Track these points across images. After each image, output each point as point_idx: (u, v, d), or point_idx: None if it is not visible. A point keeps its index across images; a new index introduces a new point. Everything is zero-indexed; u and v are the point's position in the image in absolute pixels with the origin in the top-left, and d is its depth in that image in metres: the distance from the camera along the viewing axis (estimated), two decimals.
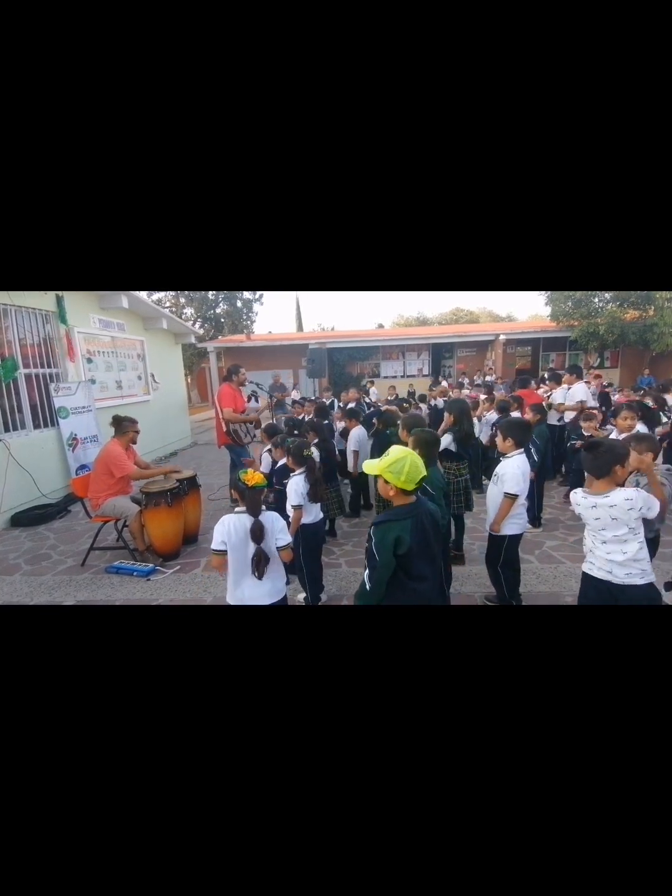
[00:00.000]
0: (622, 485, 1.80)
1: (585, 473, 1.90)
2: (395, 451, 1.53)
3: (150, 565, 3.32)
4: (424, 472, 1.52)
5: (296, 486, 2.51)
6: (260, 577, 1.83)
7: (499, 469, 2.47)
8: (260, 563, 1.82)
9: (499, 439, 2.55)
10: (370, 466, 1.58)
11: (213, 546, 1.83)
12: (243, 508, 1.86)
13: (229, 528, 1.83)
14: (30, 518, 4.51)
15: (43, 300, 5.10)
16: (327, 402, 5.98)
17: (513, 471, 2.37)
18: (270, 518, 1.90)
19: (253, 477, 1.84)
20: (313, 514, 2.60)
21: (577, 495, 1.86)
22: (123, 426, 3.58)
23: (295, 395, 9.56)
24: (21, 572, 3.46)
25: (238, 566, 1.85)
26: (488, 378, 10.63)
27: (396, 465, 1.48)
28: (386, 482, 1.52)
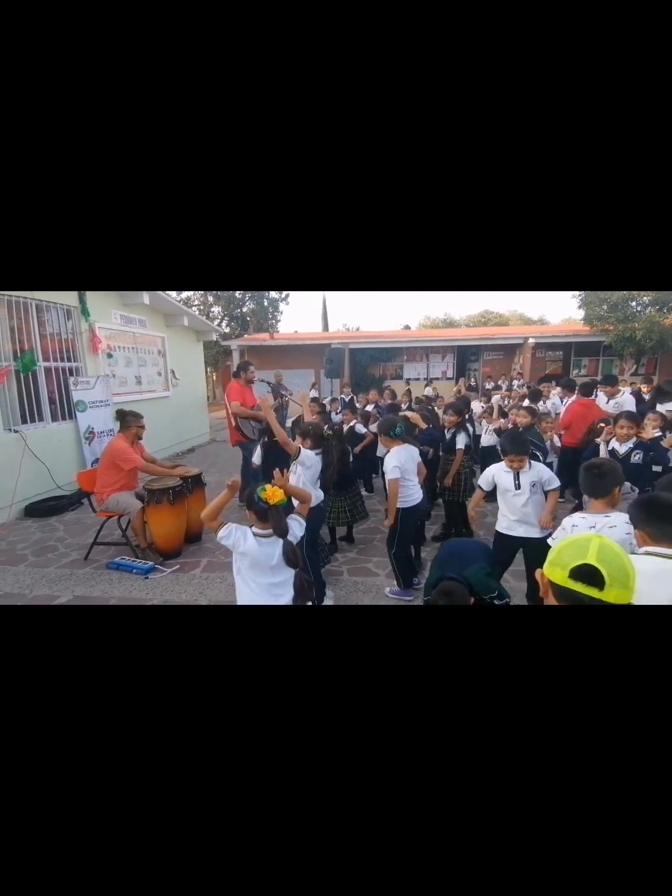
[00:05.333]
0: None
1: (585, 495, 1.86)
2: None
3: (150, 563, 3.29)
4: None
5: (308, 459, 2.45)
6: (305, 601, 1.64)
7: (535, 476, 2.48)
8: (305, 592, 1.63)
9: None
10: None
11: (221, 537, 1.63)
12: (260, 530, 1.64)
13: (246, 545, 1.62)
14: (43, 509, 4.59)
15: (65, 295, 5.19)
16: (347, 399, 5.85)
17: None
18: (292, 530, 1.70)
19: (274, 494, 1.61)
20: (314, 498, 2.52)
21: (574, 518, 1.81)
22: (127, 421, 3.56)
23: (312, 393, 9.49)
24: (26, 563, 3.49)
25: (251, 588, 1.65)
26: (516, 383, 10.26)
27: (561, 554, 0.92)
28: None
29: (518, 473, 2.46)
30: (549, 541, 1.96)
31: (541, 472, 2.49)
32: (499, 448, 2.81)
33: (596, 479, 1.78)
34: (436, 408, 4.98)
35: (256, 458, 3.30)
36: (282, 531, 1.62)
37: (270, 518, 1.62)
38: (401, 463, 2.68)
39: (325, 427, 2.67)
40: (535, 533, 2.43)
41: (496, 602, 1.90)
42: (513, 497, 2.47)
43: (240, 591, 1.70)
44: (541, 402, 5.03)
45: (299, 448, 2.47)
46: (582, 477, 1.83)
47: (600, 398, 4.62)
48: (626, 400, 4.64)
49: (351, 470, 3.62)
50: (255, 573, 1.65)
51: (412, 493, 2.76)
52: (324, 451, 2.58)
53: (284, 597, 1.68)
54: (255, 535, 1.65)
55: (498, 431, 4.25)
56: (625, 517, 1.72)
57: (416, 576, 2.93)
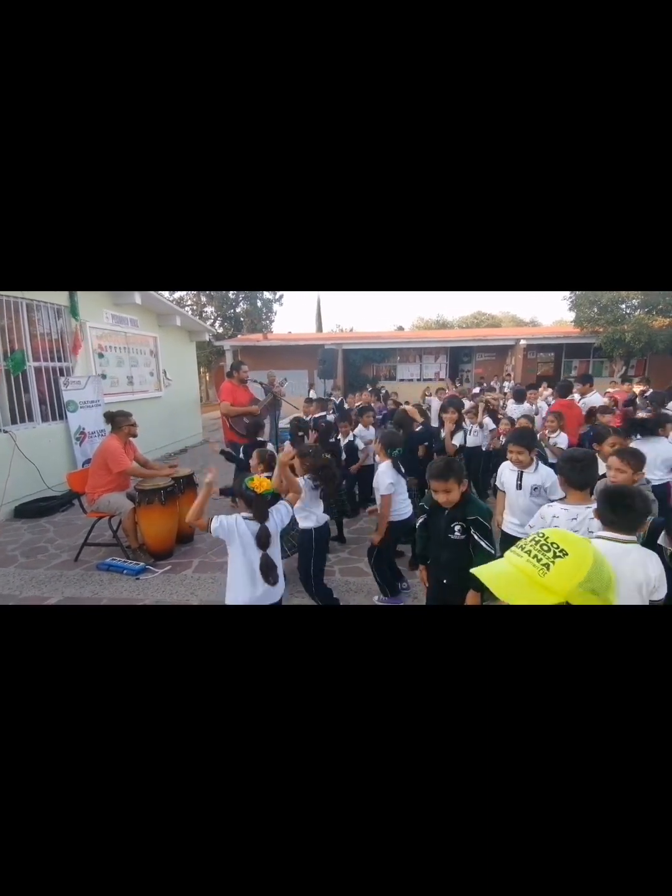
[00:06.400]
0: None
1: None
2: (574, 546, 0.77)
3: (141, 564, 3.27)
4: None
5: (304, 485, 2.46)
6: (272, 583, 1.80)
7: (539, 480, 2.38)
8: (268, 570, 1.78)
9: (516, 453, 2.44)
10: (543, 595, 0.78)
11: (214, 531, 1.77)
12: (250, 515, 1.80)
13: (238, 529, 1.79)
14: (33, 510, 4.54)
15: (55, 294, 5.15)
16: (337, 401, 5.84)
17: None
18: (277, 517, 1.87)
19: (261, 484, 1.78)
20: (315, 518, 2.52)
21: (555, 508, 1.82)
22: (117, 421, 3.54)
23: (311, 394, 9.46)
24: (16, 565, 3.46)
25: (244, 568, 1.80)
26: (508, 383, 10.35)
27: (598, 576, 0.77)
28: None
29: (522, 473, 2.41)
30: (528, 527, 1.98)
31: (546, 478, 2.36)
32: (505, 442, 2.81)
33: (579, 471, 1.81)
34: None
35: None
36: (261, 517, 1.79)
37: (254, 506, 1.79)
38: (395, 478, 2.68)
39: (323, 454, 2.62)
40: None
41: (483, 543, 1.87)
42: (514, 497, 2.43)
43: (232, 563, 1.84)
44: (526, 403, 5.12)
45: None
46: (564, 468, 1.84)
47: (574, 397, 4.84)
48: (593, 399, 4.80)
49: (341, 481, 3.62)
50: (248, 549, 1.79)
51: (403, 507, 2.76)
52: (321, 476, 2.52)
53: (276, 561, 1.87)
54: (244, 518, 1.81)
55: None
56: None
57: (403, 581, 2.92)
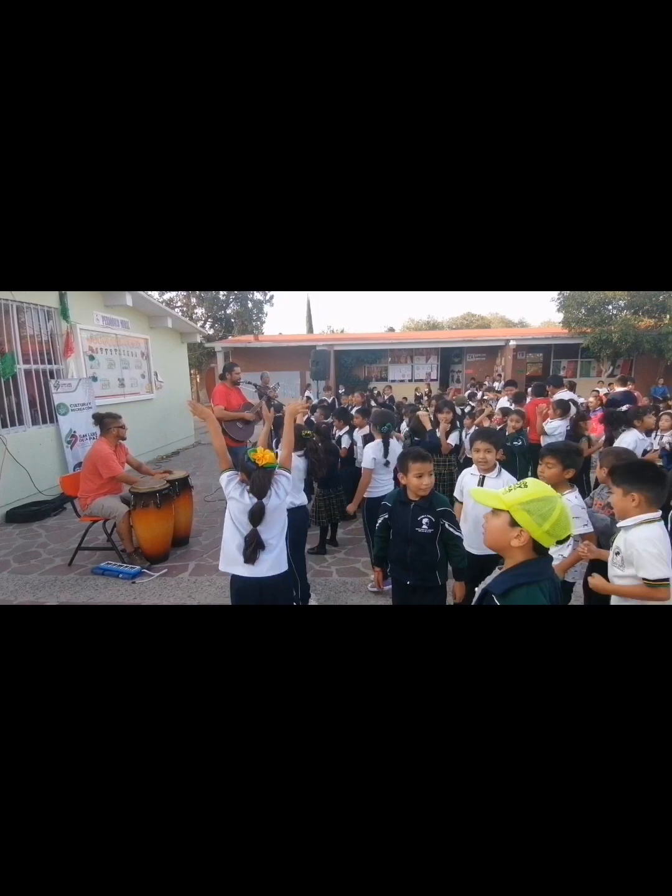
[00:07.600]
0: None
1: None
2: (537, 485, 1.08)
3: (137, 568, 3.25)
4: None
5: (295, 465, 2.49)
6: (250, 563, 1.76)
7: (500, 486, 2.32)
8: (253, 548, 1.74)
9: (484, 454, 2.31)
10: (492, 498, 1.10)
11: (221, 482, 1.81)
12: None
13: (236, 495, 1.78)
14: (25, 514, 4.48)
15: (46, 296, 5.09)
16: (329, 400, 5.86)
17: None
18: (276, 490, 1.82)
19: (264, 456, 1.74)
20: (299, 499, 2.54)
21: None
22: (105, 423, 3.52)
23: (308, 395, 9.46)
24: (9, 570, 3.41)
25: (232, 538, 1.80)
26: (497, 384, 10.48)
27: (541, 507, 1.03)
28: (513, 524, 1.04)
29: (483, 479, 2.22)
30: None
31: (508, 483, 2.08)
32: (469, 441, 2.79)
33: (577, 456, 2.02)
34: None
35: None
36: (260, 493, 1.76)
37: (253, 480, 1.75)
38: (378, 456, 2.83)
39: (305, 430, 2.67)
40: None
41: (458, 532, 1.92)
42: (471, 505, 2.16)
43: (227, 528, 1.85)
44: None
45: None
46: (569, 459, 1.99)
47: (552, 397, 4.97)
48: (563, 396, 4.95)
49: (337, 470, 3.64)
50: (239, 519, 1.79)
51: (382, 485, 2.87)
52: (306, 452, 2.59)
53: (271, 539, 1.85)
54: (247, 489, 1.80)
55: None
56: (575, 493, 1.98)
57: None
